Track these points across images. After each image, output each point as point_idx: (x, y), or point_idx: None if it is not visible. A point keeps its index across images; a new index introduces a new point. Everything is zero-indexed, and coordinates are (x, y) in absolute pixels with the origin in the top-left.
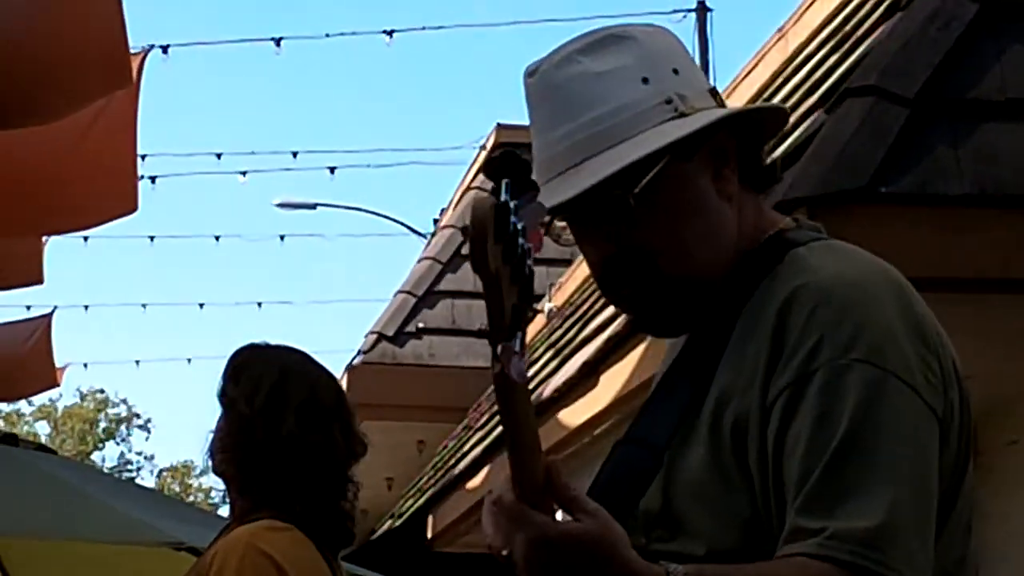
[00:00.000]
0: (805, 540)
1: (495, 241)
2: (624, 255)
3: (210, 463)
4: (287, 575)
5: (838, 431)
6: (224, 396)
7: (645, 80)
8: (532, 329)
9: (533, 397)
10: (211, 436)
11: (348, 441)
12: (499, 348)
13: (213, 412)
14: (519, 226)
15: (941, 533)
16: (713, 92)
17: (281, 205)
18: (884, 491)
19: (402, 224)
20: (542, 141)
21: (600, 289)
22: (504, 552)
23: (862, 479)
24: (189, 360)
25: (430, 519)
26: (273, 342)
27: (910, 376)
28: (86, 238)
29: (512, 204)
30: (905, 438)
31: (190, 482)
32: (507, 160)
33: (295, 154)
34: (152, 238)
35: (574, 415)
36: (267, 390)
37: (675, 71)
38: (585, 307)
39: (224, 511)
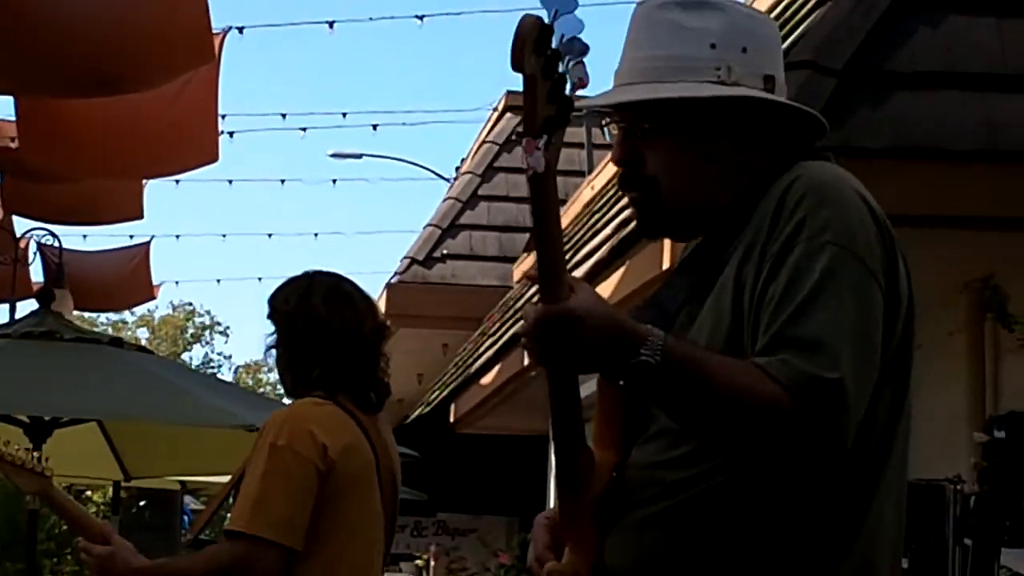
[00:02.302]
0: (764, 359)
1: (533, 51)
2: (636, 166)
3: (279, 375)
4: (317, 438)
5: (803, 291)
6: (271, 311)
7: (713, 46)
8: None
9: None
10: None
11: (376, 318)
12: (524, 141)
13: None
14: (561, 52)
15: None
16: (767, 79)
17: (334, 155)
18: (834, 343)
19: (430, 170)
20: (626, 56)
21: (618, 185)
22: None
23: (816, 330)
24: (260, 279)
25: (452, 407)
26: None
27: (870, 260)
28: (177, 181)
29: (561, 35)
30: (858, 304)
31: (261, 376)
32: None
33: (345, 114)
34: (230, 181)
35: None
36: (298, 292)
37: (743, 49)
38: (577, 237)
39: (288, 400)
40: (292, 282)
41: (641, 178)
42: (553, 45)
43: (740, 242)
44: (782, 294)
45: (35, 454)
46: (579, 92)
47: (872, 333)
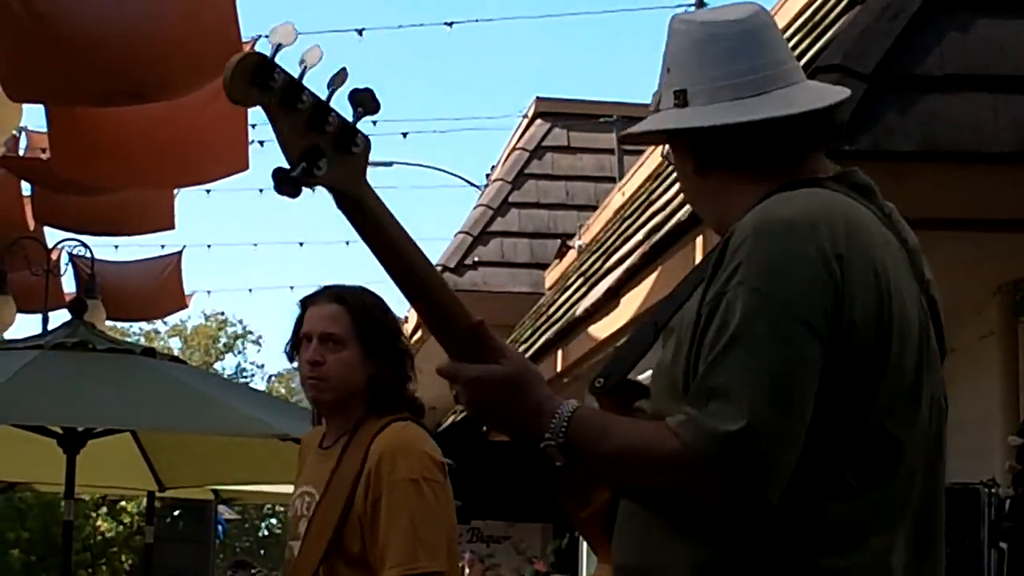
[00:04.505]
0: (676, 416)
1: (251, 83)
2: None
3: (323, 389)
4: (436, 458)
5: (723, 340)
6: (385, 322)
7: (668, 70)
8: (566, 261)
9: (566, 318)
10: (334, 366)
11: None
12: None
13: None
14: (302, 83)
15: (831, 443)
16: (677, 95)
17: None
18: (741, 391)
19: (461, 178)
20: None
21: None
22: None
23: (726, 379)
24: (292, 287)
25: None
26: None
27: (798, 304)
28: (208, 191)
29: (303, 64)
30: (774, 350)
31: (293, 386)
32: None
33: (375, 122)
34: (261, 190)
35: (600, 330)
36: (397, 325)
37: (668, 70)
38: (609, 243)
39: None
40: (376, 297)
41: None
42: (315, 83)
43: (705, 274)
44: (710, 343)
45: None
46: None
47: (794, 379)
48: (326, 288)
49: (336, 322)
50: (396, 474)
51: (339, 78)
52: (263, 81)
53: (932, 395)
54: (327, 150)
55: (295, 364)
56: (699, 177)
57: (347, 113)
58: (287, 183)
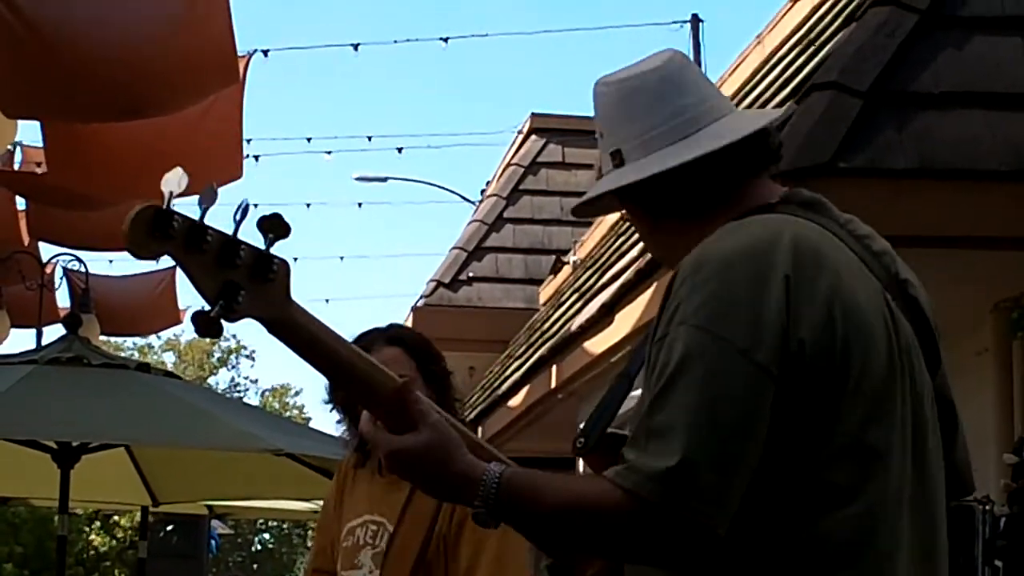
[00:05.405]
0: (616, 466)
1: (149, 235)
2: None
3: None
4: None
5: (662, 381)
6: (436, 362)
7: (599, 138)
8: (561, 277)
9: (561, 333)
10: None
11: None
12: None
13: None
14: (203, 225)
15: (809, 460)
16: (614, 155)
17: (359, 178)
18: (677, 428)
19: (455, 193)
20: None
21: None
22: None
23: (664, 419)
24: None
25: (479, 430)
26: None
27: (740, 337)
28: None
29: (205, 209)
30: (713, 385)
31: (287, 400)
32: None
33: (370, 137)
34: (256, 205)
35: (595, 346)
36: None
37: (602, 135)
38: (603, 259)
39: (314, 424)
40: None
41: None
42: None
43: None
44: (652, 385)
45: None
46: None
47: (734, 410)
48: (373, 332)
49: (401, 365)
50: None
51: (242, 211)
52: (162, 231)
53: (915, 393)
54: (243, 283)
55: (339, 420)
56: (657, 231)
57: (259, 242)
58: (208, 324)
